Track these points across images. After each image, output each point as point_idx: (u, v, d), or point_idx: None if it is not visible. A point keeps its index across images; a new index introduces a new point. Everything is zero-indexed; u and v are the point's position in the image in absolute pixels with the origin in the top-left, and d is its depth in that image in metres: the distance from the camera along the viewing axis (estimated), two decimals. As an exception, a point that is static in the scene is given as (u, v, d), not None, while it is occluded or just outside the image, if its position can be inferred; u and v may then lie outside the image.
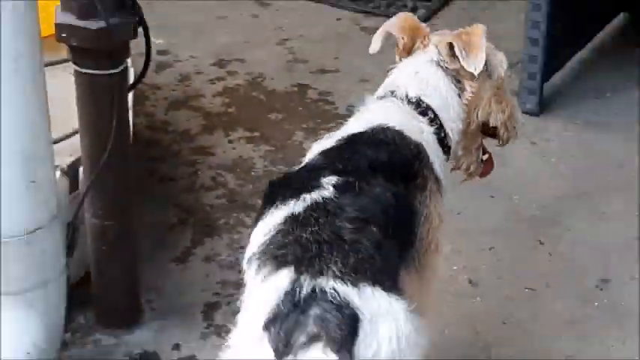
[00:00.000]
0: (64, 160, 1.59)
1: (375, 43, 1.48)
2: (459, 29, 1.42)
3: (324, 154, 1.39)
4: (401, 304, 1.16)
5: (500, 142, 1.53)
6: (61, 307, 1.48)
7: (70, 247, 1.56)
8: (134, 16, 1.45)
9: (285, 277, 1.15)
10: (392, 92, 1.40)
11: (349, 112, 2.16)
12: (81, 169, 1.59)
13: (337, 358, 1.05)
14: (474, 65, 1.36)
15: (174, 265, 1.78)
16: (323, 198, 1.27)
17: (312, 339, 1.09)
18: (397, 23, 1.49)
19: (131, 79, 1.64)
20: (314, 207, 1.26)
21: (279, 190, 1.32)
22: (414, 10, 2.73)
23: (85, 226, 1.59)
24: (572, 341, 1.75)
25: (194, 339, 1.62)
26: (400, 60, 1.47)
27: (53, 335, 1.45)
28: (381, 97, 1.42)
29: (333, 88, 2.29)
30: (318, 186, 1.29)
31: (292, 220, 1.25)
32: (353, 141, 1.38)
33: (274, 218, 1.28)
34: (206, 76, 2.32)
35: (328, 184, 1.29)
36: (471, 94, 1.43)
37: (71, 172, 1.61)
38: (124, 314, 1.65)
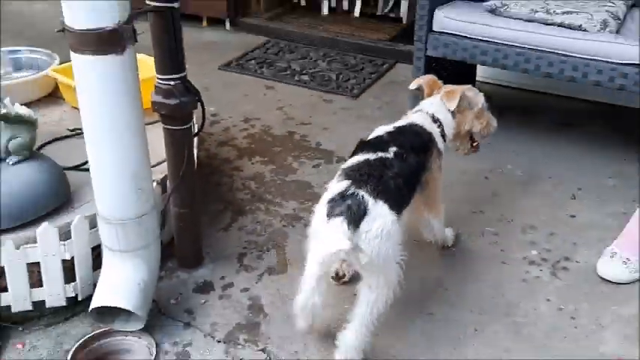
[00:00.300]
0: (158, 176, 1.62)
1: (412, 85, 1.64)
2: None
3: (389, 134, 1.50)
4: (393, 216, 1.32)
5: (481, 139, 1.67)
6: (158, 257, 1.48)
7: (163, 224, 1.60)
8: (195, 96, 1.50)
9: (344, 183, 1.34)
10: (420, 109, 1.54)
11: (317, 146, 2.21)
12: (168, 181, 1.63)
13: (345, 226, 1.24)
14: (450, 106, 1.51)
15: (222, 232, 1.79)
16: (386, 157, 1.41)
17: (340, 214, 1.26)
18: (425, 80, 1.62)
19: (195, 131, 1.69)
20: (379, 159, 1.40)
21: (365, 147, 1.47)
22: (352, 89, 2.76)
23: (170, 212, 1.64)
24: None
25: (232, 273, 1.64)
26: (424, 98, 1.60)
27: (153, 274, 1.46)
28: (415, 112, 1.56)
29: (309, 132, 2.30)
30: (386, 150, 1.43)
31: (365, 161, 1.41)
32: (402, 130, 1.50)
33: (358, 158, 1.44)
34: (238, 128, 2.31)
35: (391, 151, 1.43)
36: (458, 118, 1.55)
37: (162, 182, 1.64)
38: (192, 260, 1.67)
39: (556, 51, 1.89)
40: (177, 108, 1.45)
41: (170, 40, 1.39)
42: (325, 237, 1.30)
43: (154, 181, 1.55)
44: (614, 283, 1.61)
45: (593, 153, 2.21)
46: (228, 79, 2.85)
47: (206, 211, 1.85)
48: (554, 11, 1.96)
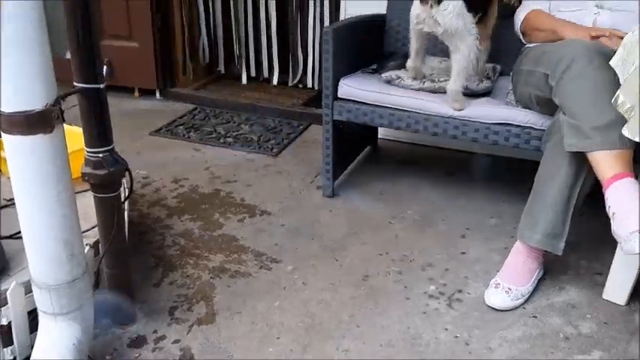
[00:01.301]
0: (91, 240, 1.55)
1: None
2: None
3: None
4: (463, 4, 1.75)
5: None
6: (91, 317, 1.40)
7: (97, 285, 1.54)
8: (123, 166, 1.47)
9: None
10: None
11: (242, 202, 2.19)
12: (100, 245, 1.57)
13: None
14: None
15: (154, 288, 1.72)
16: None
17: None
18: None
19: (124, 196, 1.64)
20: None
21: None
22: (272, 149, 2.79)
23: (103, 273, 1.57)
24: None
25: (164, 326, 1.57)
26: None
27: (88, 332, 1.38)
28: None
29: (234, 189, 2.29)
30: None
31: None
32: None
33: None
34: (168, 189, 2.26)
35: None
36: None
37: (95, 246, 1.57)
38: (126, 316, 1.61)
39: (440, 114, 1.97)
40: (106, 178, 1.41)
41: (97, 116, 1.36)
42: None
43: (86, 245, 1.49)
44: (500, 310, 1.65)
45: (477, 197, 2.30)
46: (158, 143, 2.80)
47: (138, 269, 1.79)
48: (438, 79, 2.05)
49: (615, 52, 1.41)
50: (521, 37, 2.05)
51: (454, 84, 1.85)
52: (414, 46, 2.00)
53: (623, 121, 1.29)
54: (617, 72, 1.35)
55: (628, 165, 1.44)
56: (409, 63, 2.05)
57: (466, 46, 1.80)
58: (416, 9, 1.83)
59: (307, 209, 2.21)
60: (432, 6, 1.75)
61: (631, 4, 1.87)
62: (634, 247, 1.29)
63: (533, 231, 1.65)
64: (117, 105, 3.30)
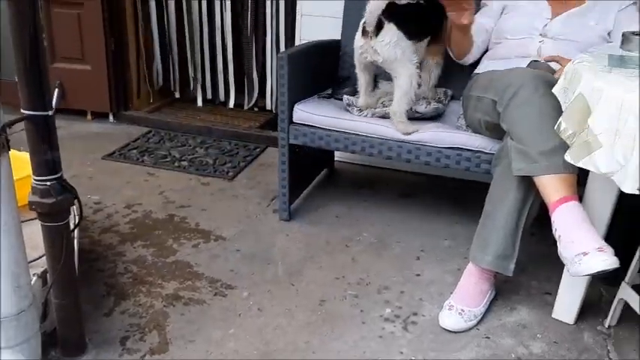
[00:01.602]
0: (39, 269, 1.50)
1: None
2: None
3: None
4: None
5: None
6: (38, 350, 1.37)
7: (45, 316, 1.49)
8: (71, 194, 1.43)
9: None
10: None
11: (196, 227, 2.16)
12: (48, 274, 1.52)
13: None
14: None
15: (105, 318, 1.67)
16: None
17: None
18: None
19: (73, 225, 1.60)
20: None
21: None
22: (227, 172, 2.77)
23: (51, 304, 1.52)
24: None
25: (115, 357, 1.53)
26: None
27: None
28: None
29: (188, 214, 2.26)
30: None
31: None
32: None
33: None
34: (121, 214, 2.22)
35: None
36: None
37: (43, 276, 1.51)
38: (75, 348, 1.54)
39: (393, 138, 2.00)
40: (54, 206, 1.37)
41: (45, 144, 1.32)
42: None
43: (34, 275, 1.45)
44: (454, 332, 1.67)
45: (431, 219, 2.33)
46: (111, 167, 2.75)
47: (88, 298, 1.74)
48: (390, 104, 2.08)
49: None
50: (450, 53, 2.14)
51: (397, 106, 1.92)
52: (361, 81, 2.07)
53: (567, 146, 1.34)
54: (559, 99, 1.41)
55: (572, 189, 1.49)
56: (360, 101, 2.10)
57: (407, 73, 1.89)
58: (358, 41, 1.94)
59: (263, 233, 2.20)
60: (371, 37, 1.86)
61: (571, 34, 1.96)
62: (579, 270, 1.34)
63: (484, 253, 1.68)
64: (68, 128, 3.23)
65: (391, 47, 1.86)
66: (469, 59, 2.17)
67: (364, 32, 1.88)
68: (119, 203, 2.38)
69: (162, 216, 2.29)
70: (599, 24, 1.97)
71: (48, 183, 1.36)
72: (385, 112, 2.04)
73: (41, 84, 1.28)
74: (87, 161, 2.81)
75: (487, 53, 2.16)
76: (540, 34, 2.00)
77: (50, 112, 1.30)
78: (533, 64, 1.97)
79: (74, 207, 1.54)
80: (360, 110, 2.10)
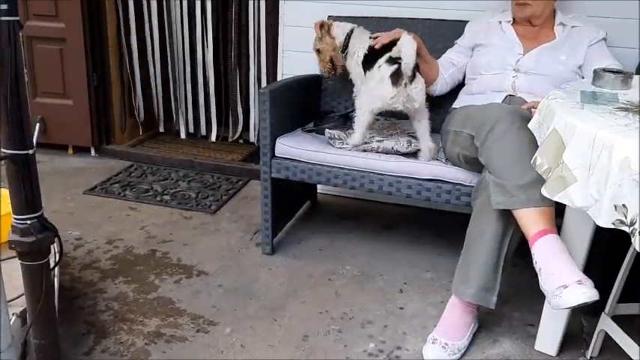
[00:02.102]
0: (18, 309, 1.49)
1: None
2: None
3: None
4: None
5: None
6: None
7: (24, 356, 1.46)
8: (52, 232, 1.42)
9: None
10: None
11: (178, 262, 2.15)
12: (27, 314, 1.49)
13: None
14: None
15: (85, 357, 1.64)
16: None
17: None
18: None
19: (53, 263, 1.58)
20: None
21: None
22: (210, 206, 2.76)
23: (31, 344, 1.49)
24: None
25: None
26: None
27: None
28: None
29: (170, 249, 2.25)
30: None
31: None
32: None
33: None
34: (102, 250, 2.20)
35: None
36: None
37: (22, 315, 1.49)
38: None
39: (375, 171, 2.02)
40: (34, 245, 1.35)
41: (26, 183, 1.31)
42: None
43: (13, 314, 1.43)
44: (438, 366, 1.66)
45: (413, 250, 2.35)
46: (92, 202, 2.73)
47: (68, 337, 1.72)
48: (371, 139, 2.11)
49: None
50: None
51: (431, 142, 2.03)
52: (367, 122, 2.04)
53: (544, 179, 1.37)
54: (535, 135, 1.44)
55: (551, 221, 1.51)
56: (357, 138, 2.06)
57: (427, 113, 2.02)
58: (388, 92, 1.89)
59: (246, 268, 2.19)
60: (406, 85, 1.88)
61: (543, 69, 2.02)
62: (560, 303, 1.35)
63: (466, 286, 1.69)
64: (50, 163, 3.21)
65: (421, 92, 1.93)
66: (435, 90, 2.25)
67: (396, 82, 1.87)
68: (100, 239, 2.36)
69: (144, 251, 2.27)
70: (569, 59, 2.04)
71: (28, 222, 1.35)
72: (372, 147, 2.05)
73: (22, 123, 1.28)
74: (68, 196, 2.79)
75: (463, 88, 2.21)
76: (514, 69, 2.06)
77: (31, 151, 1.30)
78: (509, 98, 2.02)
79: (54, 245, 1.52)
80: (350, 145, 2.09)
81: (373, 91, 1.94)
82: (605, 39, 2.10)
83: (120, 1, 3.28)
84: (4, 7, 1.18)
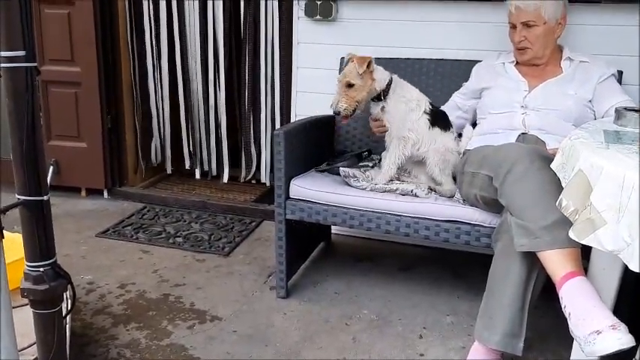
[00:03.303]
0: (30, 357, 1.46)
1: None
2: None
3: None
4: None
5: None
6: None
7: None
8: (65, 279, 1.39)
9: None
10: None
11: (191, 307, 2.10)
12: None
13: None
14: None
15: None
16: None
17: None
18: None
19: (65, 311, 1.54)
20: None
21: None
22: (223, 248, 2.73)
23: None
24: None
25: None
26: None
27: None
28: None
29: (183, 293, 2.20)
30: None
31: None
32: None
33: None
34: (114, 295, 2.16)
35: None
36: None
37: (33, 364, 1.47)
38: None
39: (392, 212, 1.99)
40: (47, 293, 1.33)
41: (40, 230, 1.29)
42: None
43: (24, 363, 1.39)
44: (463, 416, 1.59)
45: (432, 293, 2.29)
46: (105, 246, 2.70)
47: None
48: (390, 182, 2.08)
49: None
50: None
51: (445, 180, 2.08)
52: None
53: (567, 219, 1.32)
54: (559, 176, 1.40)
55: (578, 263, 1.46)
56: (390, 173, 2.08)
57: None
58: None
59: (260, 312, 2.13)
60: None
61: (551, 104, 2.00)
62: (594, 350, 1.29)
63: (491, 332, 1.63)
64: (62, 205, 3.20)
65: None
66: None
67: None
68: (112, 283, 2.32)
69: (157, 295, 2.23)
70: (578, 93, 2.03)
71: (41, 269, 1.33)
72: (387, 189, 2.03)
73: (37, 168, 1.27)
74: (80, 239, 2.76)
75: (475, 129, 2.20)
76: (522, 107, 2.05)
77: (45, 197, 1.28)
78: (522, 136, 2.00)
79: (67, 292, 1.49)
80: (360, 181, 2.08)
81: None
82: (614, 75, 2.09)
83: (135, 46, 3.32)
84: (22, 53, 1.19)
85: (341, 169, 2.16)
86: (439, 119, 2.08)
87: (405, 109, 2.03)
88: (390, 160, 2.05)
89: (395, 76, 2.08)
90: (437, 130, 2.06)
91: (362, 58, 1.96)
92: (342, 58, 2.54)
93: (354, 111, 2.01)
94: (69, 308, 1.54)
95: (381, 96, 2.04)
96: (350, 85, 1.94)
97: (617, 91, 2.05)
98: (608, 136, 1.36)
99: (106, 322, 2.03)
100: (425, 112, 2.05)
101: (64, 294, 1.46)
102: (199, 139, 3.54)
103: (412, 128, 2.03)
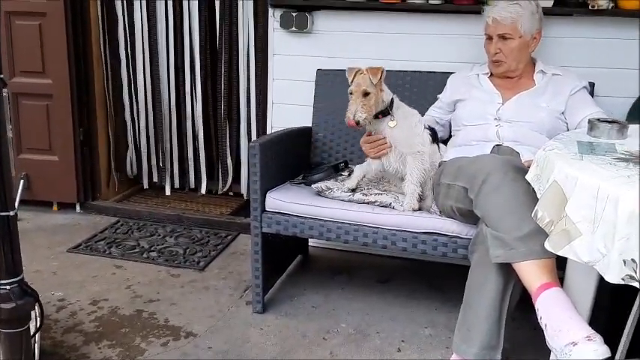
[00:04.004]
0: None
1: None
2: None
3: None
4: None
5: None
6: None
7: None
8: (32, 297, 1.35)
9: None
10: None
11: (166, 323, 2.06)
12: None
13: None
14: None
15: None
16: None
17: None
18: None
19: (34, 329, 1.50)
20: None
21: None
22: (198, 262, 2.69)
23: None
24: None
25: None
26: None
27: None
28: None
29: (157, 309, 2.16)
30: None
31: None
32: None
33: None
34: (85, 311, 2.12)
35: None
36: None
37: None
38: None
39: (369, 224, 1.98)
40: (14, 312, 1.30)
41: (6, 246, 1.26)
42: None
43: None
44: None
45: (410, 305, 2.28)
46: (77, 261, 2.64)
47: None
48: (368, 192, 2.08)
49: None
50: None
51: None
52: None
53: (542, 230, 1.33)
54: (534, 187, 1.41)
55: (553, 273, 1.47)
56: (416, 195, 2.01)
57: None
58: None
59: (236, 328, 2.10)
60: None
61: (524, 116, 2.03)
62: (570, 361, 1.29)
63: (469, 344, 1.62)
64: (34, 220, 3.13)
65: None
66: None
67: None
68: (84, 299, 2.26)
69: (130, 312, 2.18)
70: (550, 105, 2.06)
71: (7, 287, 1.29)
72: (365, 199, 2.03)
73: (3, 183, 1.23)
74: (51, 255, 2.70)
75: (450, 141, 2.21)
76: (495, 119, 2.06)
77: (12, 213, 1.25)
78: (496, 148, 2.01)
79: (35, 309, 1.45)
80: (335, 192, 2.07)
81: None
82: (586, 87, 2.13)
83: (109, 57, 3.28)
84: (-12, 65, 1.16)
85: (313, 185, 2.15)
86: (434, 135, 2.09)
87: (414, 122, 2.02)
88: (413, 179, 1.96)
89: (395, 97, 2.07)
90: (435, 146, 2.06)
91: (375, 68, 1.93)
92: (318, 69, 2.55)
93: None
94: (37, 326, 1.50)
95: (387, 111, 2.00)
96: (366, 94, 1.90)
97: (589, 103, 2.08)
98: (582, 147, 1.37)
99: (77, 340, 1.98)
100: (425, 126, 2.04)
101: (32, 312, 1.42)
102: (172, 151, 3.49)
103: (423, 142, 2.01)
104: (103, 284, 2.41)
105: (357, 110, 1.90)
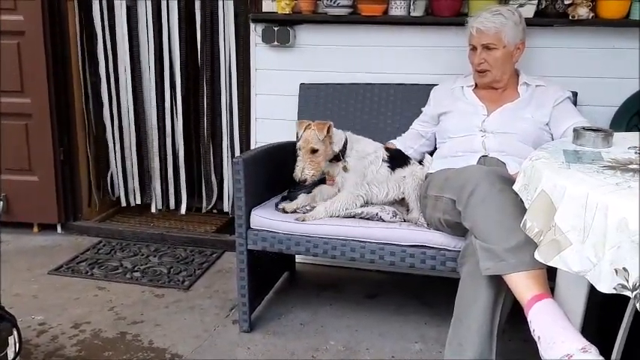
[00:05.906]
0: None
1: None
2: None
3: None
4: None
5: None
6: None
7: None
8: (10, 322, 1.30)
9: None
10: None
11: (150, 345, 2.01)
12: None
13: None
14: None
15: None
16: None
17: None
18: None
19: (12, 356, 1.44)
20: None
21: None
22: (183, 282, 2.64)
23: None
24: None
25: None
26: None
27: None
28: None
29: (141, 331, 2.11)
30: None
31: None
32: None
33: None
34: (67, 335, 2.07)
35: None
36: None
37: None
38: None
39: (356, 239, 1.96)
40: (-11, 339, 1.23)
41: (-20, 270, 1.20)
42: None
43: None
44: None
45: (399, 320, 2.25)
46: (58, 283, 2.58)
47: None
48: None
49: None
50: None
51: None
52: None
53: (532, 240, 1.31)
54: (522, 197, 1.40)
55: (545, 284, 1.45)
56: (321, 217, 2.05)
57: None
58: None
59: (223, 348, 2.05)
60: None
61: (509, 127, 2.03)
62: (565, 374, 1.27)
63: (461, 359, 1.59)
64: (13, 242, 3.06)
65: None
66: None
67: None
68: (66, 323, 2.20)
69: (113, 334, 2.12)
70: (534, 116, 2.06)
71: (-18, 314, 1.23)
72: (351, 214, 2.03)
73: (-22, 205, 1.19)
74: (32, 277, 2.63)
75: (435, 153, 2.20)
76: (480, 130, 2.06)
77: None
78: (482, 159, 2.01)
79: (13, 335, 1.40)
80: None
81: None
82: (569, 97, 2.14)
83: (89, 76, 3.23)
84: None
85: (278, 206, 2.13)
86: (397, 160, 2.09)
87: (365, 163, 2.04)
88: (332, 208, 2.02)
89: (349, 133, 2.09)
90: (399, 170, 2.07)
91: (321, 123, 1.97)
92: (301, 84, 2.53)
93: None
94: (16, 352, 1.44)
95: (339, 156, 2.02)
96: (314, 151, 1.94)
97: (572, 112, 2.09)
98: (568, 156, 1.36)
99: (58, 365, 1.92)
100: (383, 159, 2.05)
101: (10, 338, 1.37)
102: (154, 170, 3.43)
103: (372, 181, 2.04)
104: (85, 306, 2.35)
105: (304, 168, 1.95)
